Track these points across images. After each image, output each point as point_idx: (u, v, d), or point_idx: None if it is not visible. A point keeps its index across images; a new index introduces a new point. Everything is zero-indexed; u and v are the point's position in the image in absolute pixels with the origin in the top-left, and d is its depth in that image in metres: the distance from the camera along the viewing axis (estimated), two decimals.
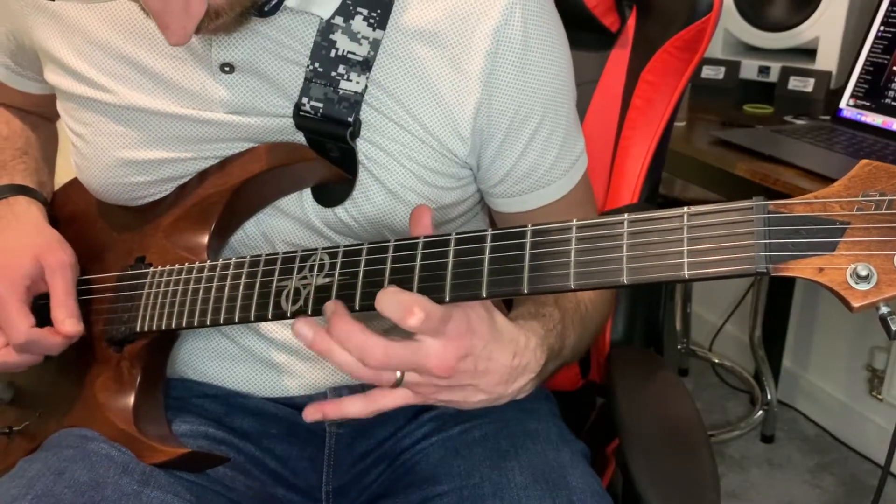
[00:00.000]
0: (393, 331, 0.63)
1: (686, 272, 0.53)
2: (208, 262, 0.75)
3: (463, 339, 0.62)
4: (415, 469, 0.81)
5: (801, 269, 0.50)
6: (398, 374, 0.63)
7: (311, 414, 0.66)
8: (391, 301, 0.60)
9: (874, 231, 0.49)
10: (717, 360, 2.34)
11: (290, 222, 0.79)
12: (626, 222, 0.56)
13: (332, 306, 0.63)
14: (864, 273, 0.49)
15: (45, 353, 0.79)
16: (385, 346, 0.60)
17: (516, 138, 0.76)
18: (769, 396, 2.06)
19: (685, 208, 0.54)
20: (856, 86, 1.54)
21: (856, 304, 0.49)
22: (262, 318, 0.69)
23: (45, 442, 0.79)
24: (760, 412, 2.09)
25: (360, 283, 0.64)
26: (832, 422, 2.08)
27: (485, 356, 0.64)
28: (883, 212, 0.49)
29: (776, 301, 2.09)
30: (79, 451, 0.74)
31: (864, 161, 0.51)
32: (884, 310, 0.50)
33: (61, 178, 0.97)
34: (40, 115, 1.00)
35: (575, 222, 0.58)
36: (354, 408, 0.65)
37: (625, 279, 0.55)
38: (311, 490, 0.85)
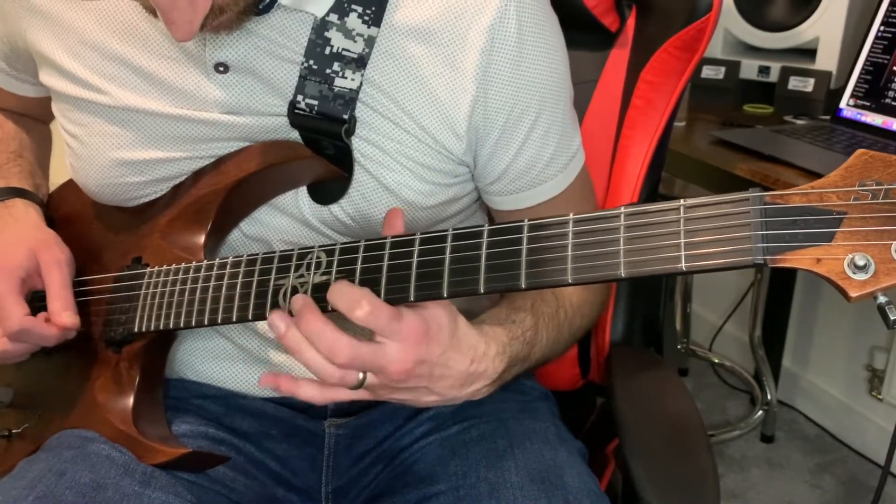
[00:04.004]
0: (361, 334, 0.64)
1: (683, 264, 0.53)
2: (205, 262, 0.75)
3: (420, 344, 0.63)
4: (412, 469, 0.81)
5: (798, 259, 0.51)
6: (360, 375, 0.64)
7: (265, 381, 0.67)
8: (341, 294, 0.62)
9: (871, 220, 0.49)
10: (717, 360, 2.34)
11: (286, 220, 0.79)
12: (622, 216, 0.56)
13: (302, 301, 0.64)
14: (861, 263, 0.49)
15: (40, 343, 0.79)
16: (353, 346, 0.62)
17: (512, 135, 0.76)
18: (769, 396, 2.06)
19: (681, 201, 0.54)
20: (856, 86, 1.54)
21: (853, 293, 0.49)
22: (259, 317, 0.70)
23: (45, 443, 0.79)
24: (760, 412, 2.09)
25: (357, 281, 0.64)
26: (832, 422, 2.08)
27: (441, 363, 0.65)
28: (880, 201, 0.49)
29: (776, 301, 2.09)
30: (79, 453, 0.74)
31: (860, 151, 0.51)
32: (882, 299, 0.50)
33: (56, 179, 0.97)
34: (34, 117, 1.00)
35: (572, 216, 0.58)
36: (309, 392, 0.66)
37: (622, 272, 0.55)
38: (311, 491, 0.85)
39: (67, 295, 0.80)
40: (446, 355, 0.65)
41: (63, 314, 0.78)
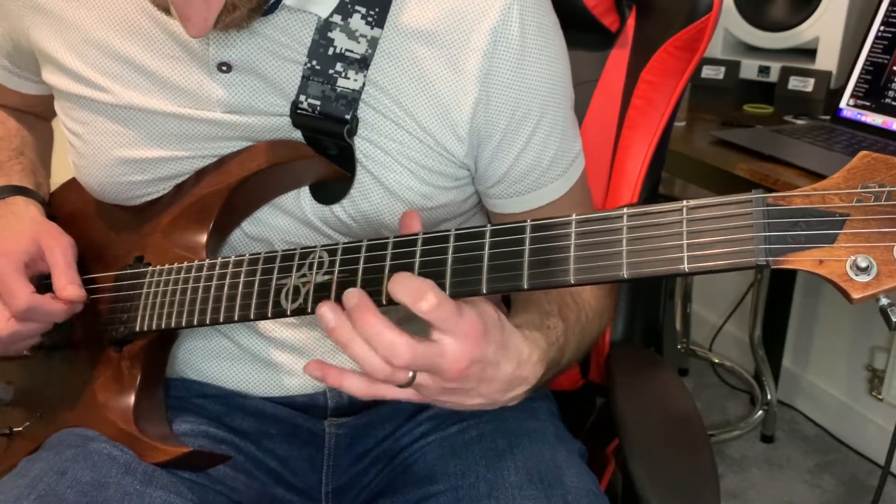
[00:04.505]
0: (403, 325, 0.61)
1: (686, 265, 0.53)
2: (207, 261, 0.75)
3: (479, 342, 0.61)
4: (412, 468, 0.81)
5: (800, 261, 0.51)
6: (411, 373, 0.61)
7: (311, 368, 0.64)
8: (405, 285, 0.59)
9: (874, 222, 0.49)
10: (717, 360, 2.34)
11: (288, 220, 0.79)
12: (625, 216, 0.56)
13: (357, 298, 0.61)
14: (863, 264, 0.49)
15: (49, 319, 0.79)
16: (412, 347, 0.59)
17: (514, 138, 0.76)
18: (769, 396, 2.06)
19: (684, 202, 0.54)
20: (856, 86, 1.54)
21: (856, 295, 0.49)
22: (261, 316, 0.70)
23: (46, 442, 0.79)
24: (760, 412, 2.09)
25: (359, 281, 0.64)
26: (832, 422, 2.08)
27: (493, 363, 0.63)
28: (882, 203, 0.49)
29: (776, 301, 2.09)
30: (80, 451, 0.74)
31: (863, 153, 0.51)
32: (884, 301, 0.50)
33: (58, 178, 0.97)
34: (36, 114, 1.00)
35: (574, 217, 0.58)
36: (355, 385, 0.63)
37: (625, 273, 0.55)
38: (311, 490, 0.85)
39: (72, 272, 0.80)
40: (498, 355, 0.63)
41: (68, 287, 0.78)
